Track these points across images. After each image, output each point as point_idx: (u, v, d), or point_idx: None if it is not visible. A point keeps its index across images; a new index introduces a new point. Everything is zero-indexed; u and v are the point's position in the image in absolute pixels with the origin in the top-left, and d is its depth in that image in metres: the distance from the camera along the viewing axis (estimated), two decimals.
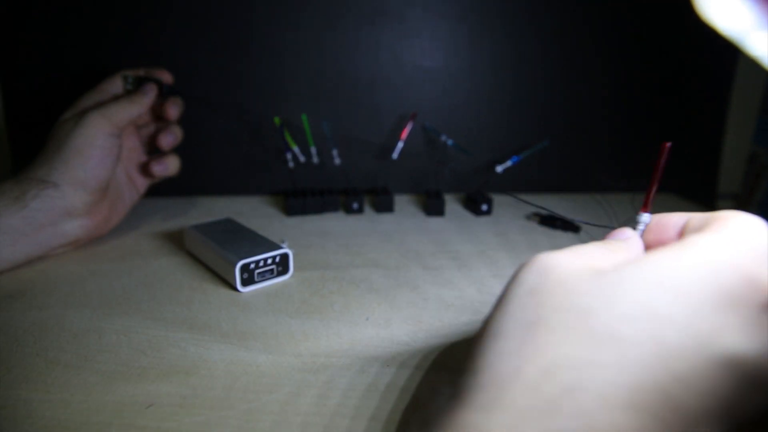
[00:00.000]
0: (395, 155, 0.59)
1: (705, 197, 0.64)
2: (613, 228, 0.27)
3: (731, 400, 0.17)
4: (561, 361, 0.18)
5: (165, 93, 0.52)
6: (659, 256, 0.20)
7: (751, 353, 0.18)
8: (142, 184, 0.54)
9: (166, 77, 0.53)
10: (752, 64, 0.57)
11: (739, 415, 0.18)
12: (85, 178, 0.45)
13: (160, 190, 0.57)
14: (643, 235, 0.27)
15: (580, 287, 0.20)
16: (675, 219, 0.25)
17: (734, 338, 0.18)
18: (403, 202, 0.64)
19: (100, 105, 0.48)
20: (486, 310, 0.38)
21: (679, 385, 0.17)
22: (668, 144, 0.26)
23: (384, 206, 0.60)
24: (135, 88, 0.51)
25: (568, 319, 0.19)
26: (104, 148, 0.46)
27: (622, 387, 0.17)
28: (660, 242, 0.26)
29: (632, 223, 0.27)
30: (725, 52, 0.62)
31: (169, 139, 0.52)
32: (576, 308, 0.19)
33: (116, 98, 0.49)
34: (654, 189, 0.27)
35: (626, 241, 0.25)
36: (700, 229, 0.23)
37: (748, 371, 0.18)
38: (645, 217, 0.27)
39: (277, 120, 0.58)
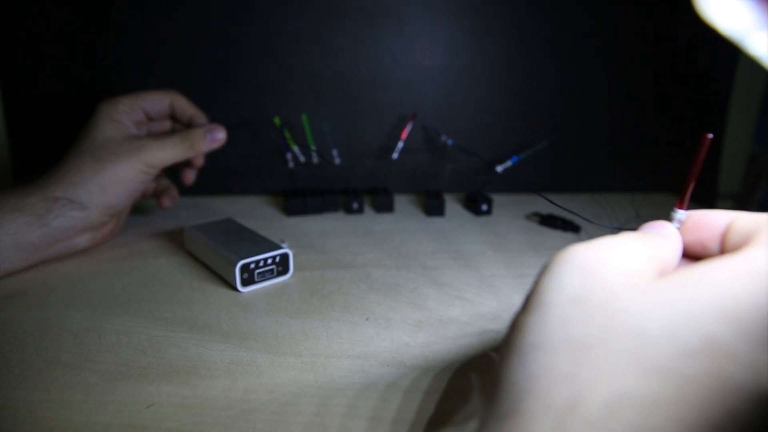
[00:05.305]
0: (395, 155, 0.59)
1: (705, 197, 0.64)
2: (620, 228, 0.26)
3: None
4: (622, 398, 0.17)
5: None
6: (716, 275, 0.19)
7: None
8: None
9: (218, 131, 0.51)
10: (752, 64, 0.57)
11: None
12: (115, 204, 0.46)
13: None
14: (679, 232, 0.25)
15: (634, 304, 0.19)
16: (717, 218, 0.23)
17: None
18: (403, 202, 0.64)
19: (155, 140, 0.47)
20: (486, 309, 0.38)
21: (731, 419, 0.17)
22: (710, 136, 0.23)
23: (384, 206, 0.60)
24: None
25: (625, 346, 0.18)
26: (142, 182, 0.47)
27: (683, 426, 0.16)
28: (700, 243, 0.24)
29: (634, 223, 0.27)
30: (725, 52, 0.62)
31: (190, 176, 0.55)
32: (632, 332, 0.18)
33: (171, 135, 0.48)
34: (692, 184, 0.25)
35: (666, 238, 0.23)
36: (754, 239, 0.21)
37: None
38: (680, 214, 0.25)
39: (277, 120, 0.58)
